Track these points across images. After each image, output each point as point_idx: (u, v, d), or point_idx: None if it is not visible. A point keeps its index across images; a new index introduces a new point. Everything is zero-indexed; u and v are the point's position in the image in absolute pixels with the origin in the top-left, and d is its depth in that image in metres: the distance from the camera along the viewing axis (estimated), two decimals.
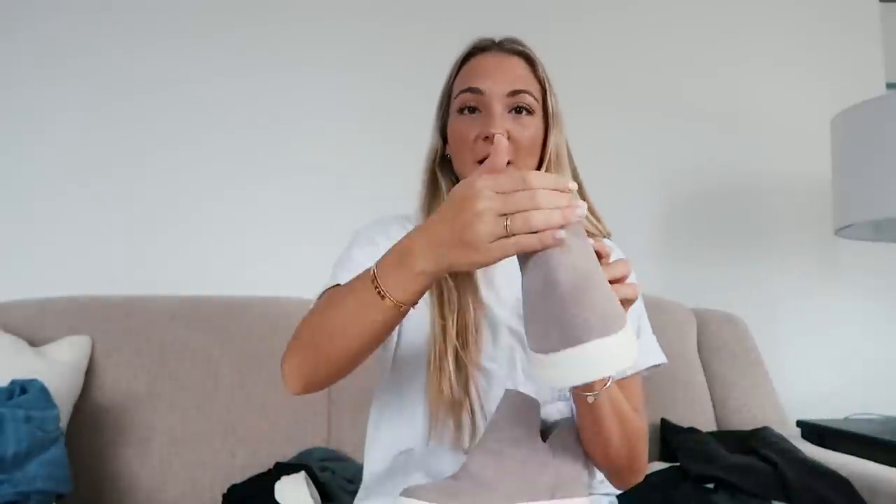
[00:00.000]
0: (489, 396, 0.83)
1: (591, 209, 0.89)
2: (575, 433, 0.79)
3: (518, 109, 0.85)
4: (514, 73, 0.86)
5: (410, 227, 0.81)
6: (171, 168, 1.76)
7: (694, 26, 1.99)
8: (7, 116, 1.72)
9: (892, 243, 1.74)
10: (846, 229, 1.60)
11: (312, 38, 1.84)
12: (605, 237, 0.90)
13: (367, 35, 1.86)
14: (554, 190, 0.56)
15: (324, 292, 0.85)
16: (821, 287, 1.93)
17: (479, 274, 0.87)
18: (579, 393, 0.73)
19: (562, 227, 0.55)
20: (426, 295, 0.77)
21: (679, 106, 1.94)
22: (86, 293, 1.57)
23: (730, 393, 1.55)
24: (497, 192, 0.56)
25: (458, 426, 0.81)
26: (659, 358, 0.89)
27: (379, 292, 0.63)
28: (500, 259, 0.57)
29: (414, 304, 0.64)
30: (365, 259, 0.85)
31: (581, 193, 0.88)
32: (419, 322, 0.85)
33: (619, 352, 0.54)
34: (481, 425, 0.82)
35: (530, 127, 0.85)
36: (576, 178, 0.91)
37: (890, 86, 2.01)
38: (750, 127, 1.96)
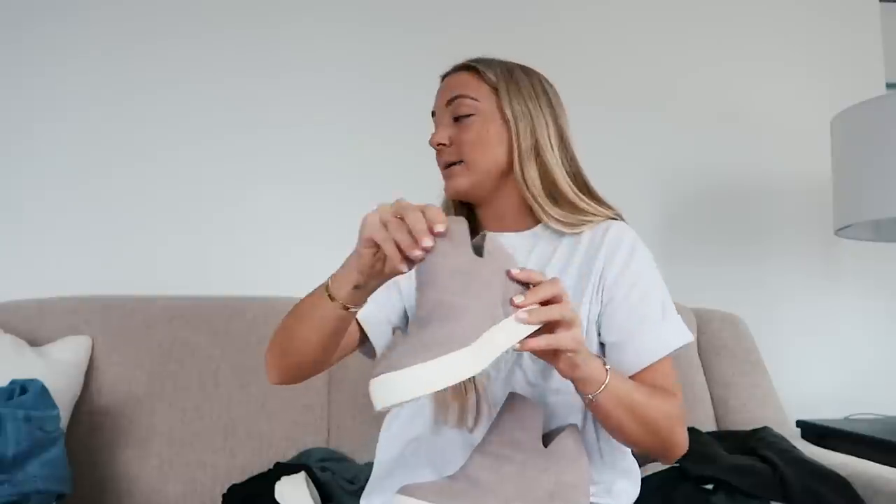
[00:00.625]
0: (492, 381, 0.89)
1: (595, 196, 0.96)
2: (578, 439, 0.80)
3: (457, 117, 0.94)
4: (454, 85, 0.96)
5: None
6: (172, 168, 1.76)
7: (694, 26, 1.99)
8: (7, 116, 1.72)
9: (892, 243, 1.74)
10: (846, 229, 1.60)
11: (314, 40, 1.84)
12: (613, 219, 0.95)
13: (368, 37, 1.86)
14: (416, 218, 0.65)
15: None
16: (821, 287, 1.93)
17: None
18: (578, 393, 0.76)
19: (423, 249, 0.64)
20: None
21: (679, 106, 1.94)
22: (86, 293, 1.57)
23: (730, 393, 1.55)
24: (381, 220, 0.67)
25: (463, 409, 0.87)
26: (681, 339, 0.89)
27: (330, 296, 0.77)
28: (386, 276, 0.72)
29: (357, 305, 0.77)
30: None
31: (579, 181, 0.96)
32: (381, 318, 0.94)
33: (431, 377, 0.57)
34: (485, 409, 0.87)
35: (471, 128, 0.93)
36: (575, 168, 0.96)
37: (890, 86, 2.01)
38: (750, 127, 1.96)
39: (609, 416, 0.78)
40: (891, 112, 1.45)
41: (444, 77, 1.00)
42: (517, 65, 0.99)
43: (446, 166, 0.96)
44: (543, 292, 0.67)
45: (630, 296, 0.88)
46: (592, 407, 0.77)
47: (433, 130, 0.98)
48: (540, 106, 0.95)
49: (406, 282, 1.00)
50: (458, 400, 0.87)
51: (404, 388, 0.57)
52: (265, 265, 1.74)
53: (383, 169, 1.79)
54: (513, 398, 0.79)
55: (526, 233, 0.97)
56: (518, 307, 0.66)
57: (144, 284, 1.63)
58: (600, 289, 0.90)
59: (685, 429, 0.86)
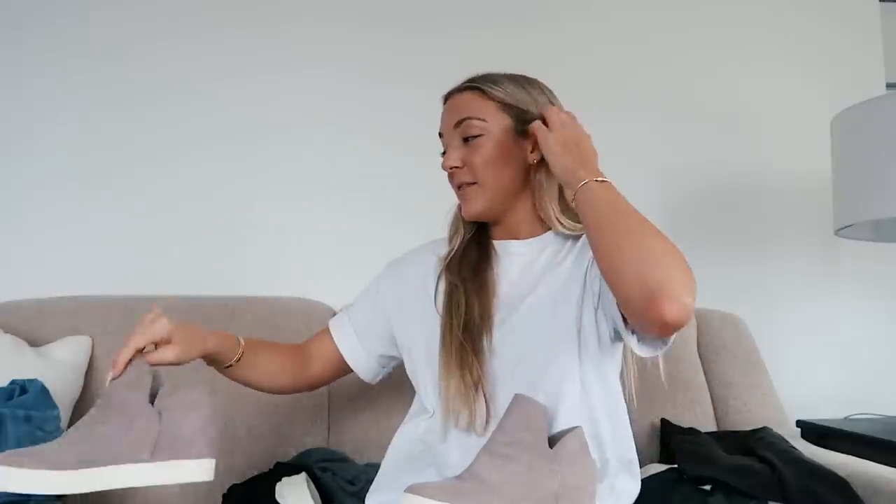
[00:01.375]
0: (496, 387, 0.91)
1: None
2: (584, 441, 0.80)
3: (466, 138, 0.97)
4: (459, 107, 0.98)
5: (439, 252, 1.06)
6: (172, 168, 1.76)
7: (693, 26, 1.99)
8: (7, 116, 1.72)
9: (892, 243, 1.74)
10: (846, 229, 1.60)
11: (314, 40, 1.84)
12: None
13: (368, 37, 1.86)
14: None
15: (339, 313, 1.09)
16: (821, 287, 1.93)
17: (493, 273, 0.99)
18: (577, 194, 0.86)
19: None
20: (440, 299, 0.98)
21: (678, 106, 1.94)
22: (86, 293, 1.57)
23: (730, 393, 1.55)
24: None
25: (472, 414, 0.89)
26: None
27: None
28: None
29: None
30: (387, 291, 1.09)
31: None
32: (433, 326, 0.97)
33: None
34: (493, 412, 0.89)
35: (481, 149, 0.96)
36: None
37: (890, 86, 2.01)
38: (750, 127, 1.95)
39: (588, 219, 0.82)
40: (891, 112, 1.44)
41: (446, 98, 1.02)
42: (518, 76, 1.01)
43: (460, 187, 0.99)
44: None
45: None
46: (577, 204, 0.85)
47: (442, 151, 1.01)
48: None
49: (393, 308, 1.07)
50: (467, 405, 0.89)
51: None
52: (265, 265, 1.74)
53: (383, 169, 1.79)
54: (519, 399, 0.79)
55: (534, 240, 1.01)
56: None
57: (144, 284, 1.63)
58: (589, 286, 0.92)
59: (691, 300, 0.75)
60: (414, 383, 1.05)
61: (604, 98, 1.89)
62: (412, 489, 0.71)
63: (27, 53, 1.75)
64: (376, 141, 1.82)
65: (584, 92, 1.82)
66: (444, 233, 1.09)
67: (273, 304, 1.57)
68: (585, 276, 0.93)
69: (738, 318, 1.68)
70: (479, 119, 0.96)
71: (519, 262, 1.00)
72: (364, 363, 1.11)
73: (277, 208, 1.78)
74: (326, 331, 1.13)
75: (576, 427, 0.81)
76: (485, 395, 0.89)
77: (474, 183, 0.97)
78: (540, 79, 1.03)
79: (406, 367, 1.06)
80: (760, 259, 1.92)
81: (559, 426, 0.86)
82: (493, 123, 0.96)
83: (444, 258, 1.03)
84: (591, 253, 0.90)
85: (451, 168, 0.98)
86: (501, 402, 0.88)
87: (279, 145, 1.80)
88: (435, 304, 1.00)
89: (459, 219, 1.05)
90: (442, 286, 1.00)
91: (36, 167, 1.71)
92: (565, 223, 0.97)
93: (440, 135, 1.02)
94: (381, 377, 1.16)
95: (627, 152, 1.89)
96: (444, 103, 1.02)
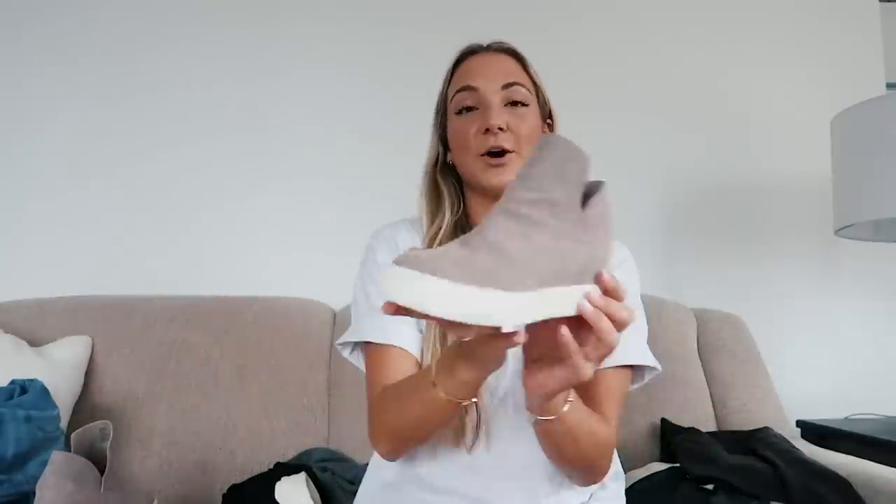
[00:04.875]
0: (486, 402, 0.84)
1: None
2: (607, 202, 0.60)
3: (514, 102, 0.88)
4: (505, 69, 0.90)
5: (417, 234, 0.91)
6: (172, 169, 1.76)
7: (693, 27, 1.99)
8: (7, 117, 1.72)
9: (892, 243, 1.74)
10: (846, 229, 1.60)
11: (314, 41, 1.84)
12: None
13: (368, 37, 1.86)
14: None
15: (355, 332, 0.88)
16: (821, 287, 1.92)
17: None
18: (538, 421, 0.71)
19: None
20: None
21: (679, 106, 1.94)
22: (86, 293, 1.57)
23: (730, 393, 1.55)
24: None
25: (462, 428, 0.82)
26: (642, 359, 0.84)
27: (440, 394, 0.69)
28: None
29: (468, 398, 0.70)
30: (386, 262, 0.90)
31: None
32: (419, 336, 0.87)
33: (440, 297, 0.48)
34: (484, 429, 0.82)
35: (528, 118, 0.88)
36: None
37: (890, 86, 2.01)
38: (750, 127, 1.95)
39: (550, 441, 0.75)
40: (891, 112, 1.44)
41: (477, 50, 0.92)
42: None
43: (496, 153, 0.86)
44: (619, 308, 0.57)
45: None
46: (538, 429, 0.72)
47: (467, 104, 0.89)
48: (551, 106, 0.95)
49: None
50: (458, 418, 0.81)
51: (430, 297, 0.48)
52: (265, 265, 1.74)
53: (383, 169, 1.79)
54: (549, 140, 0.59)
55: None
56: (600, 281, 0.56)
57: (144, 284, 1.63)
58: None
59: (607, 462, 0.82)
60: None
61: (605, 98, 1.89)
62: (400, 261, 0.50)
63: (27, 53, 1.75)
64: (376, 141, 1.82)
65: (587, 93, 1.84)
66: None
67: (273, 304, 1.57)
68: None
69: (738, 318, 1.68)
70: (526, 88, 0.89)
71: None
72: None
73: (278, 208, 1.78)
74: (388, 348, 0.86)
75: (600, 182, 0.60)
76: (478, 410, 0.82)
77: (512, 152, 0.86)
78: (543, 79, 0.99)
79: None
80: (760, 259, 1.92)
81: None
82: (532, 98, 0.90)
83: (425, 242, 0.90)
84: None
85: (499, 128, 0.85)
86: (493, 419, 0.83)
87: (279, 146, 1.80)
88: None
89: (440, 196, 0.93)
90: None
91: (36, 167, 1.71)
92: None
93: (469, 87, 0.89)
94: None
95: (629, 152, 1.89)
96: (472, 55, 0.92)
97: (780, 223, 1.93)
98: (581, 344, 0.57)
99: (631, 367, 0.86)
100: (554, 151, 0.58)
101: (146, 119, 1.76)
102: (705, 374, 1.58)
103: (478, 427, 0.82)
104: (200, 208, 1.75)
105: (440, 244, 0.84)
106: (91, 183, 1.73)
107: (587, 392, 0.79)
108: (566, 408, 0.69)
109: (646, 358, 0.86)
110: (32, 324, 1.45)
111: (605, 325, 0.55)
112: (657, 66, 1.95)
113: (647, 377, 0.87)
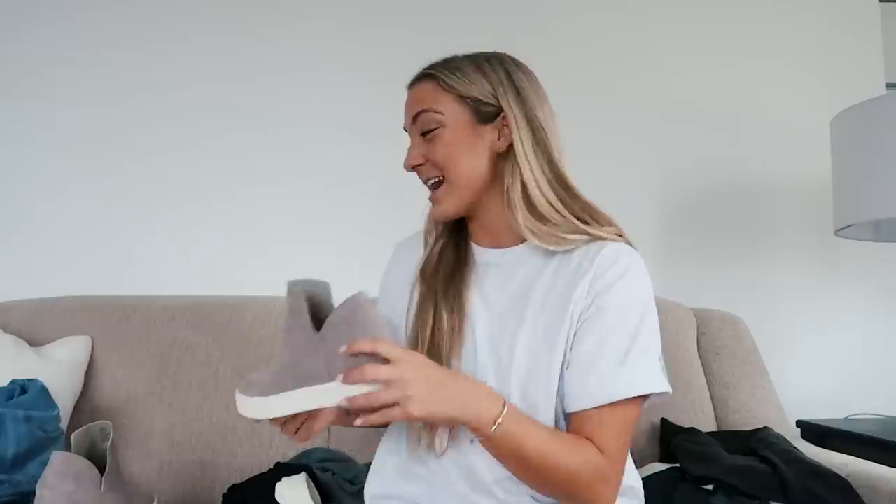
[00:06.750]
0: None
1: (591, 210, 0.88)
2: (355, 304, 0.78)
3: (424, 133, 0.89)
4: (418, 98, 0.90)
5: (417, 249, 0.98)
6: (172, 169, 1.76)
7: (693, 26, 1.99)
8: (8, 117, 1.72)
9: (892, 243, 1.74)
10: (846, 229, 1.60)
11: (313, 41, 1.84)
12: (615, 237, 0.87)
13: (367, 37, 1.86)
14: None
15: None
16: (821, 287, 1.92)
17: (468, 289, 0.90)
18: (473, 439, 0.80)
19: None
20: (412, 310, 0.92)
21: (679, 106, 1.94)
22: (86, 293, 1.57)
23: (730, 393, 1.54)
24: None
25: (431, 436, 0.84)
26: (637, 388, 0.79)
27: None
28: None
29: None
30: (385, 309, 1.00)
31: (570, 193, 0.87)
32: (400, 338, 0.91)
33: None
34: (451, 434, 0.84)
35: (440, 140, 0.87)
36: (555, 173, 0.87)
37: (890, 86, 2.01)
38: (750, 127, 1.95)
39: (503, 462, 0.78)
40: (891, 112, 1.44)
41: (409, 88, 0.93)
42: (479, 55, 0.90)
43: (428, 183, 0.90)
44: (373, 373, 0.69)
45: (594, 327, 0.80)
46: (489, 448, 0.77)
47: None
48: (508, 99, 0.87)
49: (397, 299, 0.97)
50: (427, 428, 0.84)
51: (256, 409, 0.75)
52: (265, 265, 1.74)
53: (383, 169, 1.78)
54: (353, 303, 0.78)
55: (516, 249, 0.90)
56: (345, 381, 0.70)
57: (144, 284, 1.63)
58: (576, 315, 0.81)
59: (607, 490, 0.78)
60: None
61: (604, 98, 1.89)
62: (240, 389, 0.77)
63: (27, 53, 1.75)
64: (376, 141, 1.81)
65: (584, 92, 1.84)
66: None
67: (272, 304, 1.57)
68: (570, 324, 0.82)
69: (738, 318, 1.68)
70: (433, 111, 0.86)
71: (495, 274, 0.90)
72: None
73: (277, 208, 1.78)
74: None
75: (356, 293, 0.79)
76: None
77: (442, 179, 0.87)
78: (540, 79, 0.94)
79: None
80: (760, 259, 1.92)
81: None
82: (449, 114, 0.86)
83: (420, 262, 0.95)
84: (579, 298, 0.82)
85: (411, 167, 0.89)
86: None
87: (279, 146, 1.80)
88: (408, 312, 0.93)
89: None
90: (416, 295, 0.93)
91: (36, 168, 1.71)
92: (533, 230, 0.84)
93: (405, 129, 0.93)
94: None
95: (628, 152, 1.89)
96: (407, 94, 0.93)
97: (780, 223, 1.93)
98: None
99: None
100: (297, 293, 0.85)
101: (146, 119, 1.76)
102: (705, 375, 1.58)
103: (450, 433, 0.85)
104: (200, 208, 1.75)
105: (437, 261, 0.93)
106: (91, 183, 1.73)
107: (572, 428, 0.81)
108: (493, 429, 0.73)
109: (638, 385, 0.79)
110: (32, 324, 1.45)
111: (366, 403, 0.69)
112: (657, 66, 1.95)
113: (654, 396, 0.82)
